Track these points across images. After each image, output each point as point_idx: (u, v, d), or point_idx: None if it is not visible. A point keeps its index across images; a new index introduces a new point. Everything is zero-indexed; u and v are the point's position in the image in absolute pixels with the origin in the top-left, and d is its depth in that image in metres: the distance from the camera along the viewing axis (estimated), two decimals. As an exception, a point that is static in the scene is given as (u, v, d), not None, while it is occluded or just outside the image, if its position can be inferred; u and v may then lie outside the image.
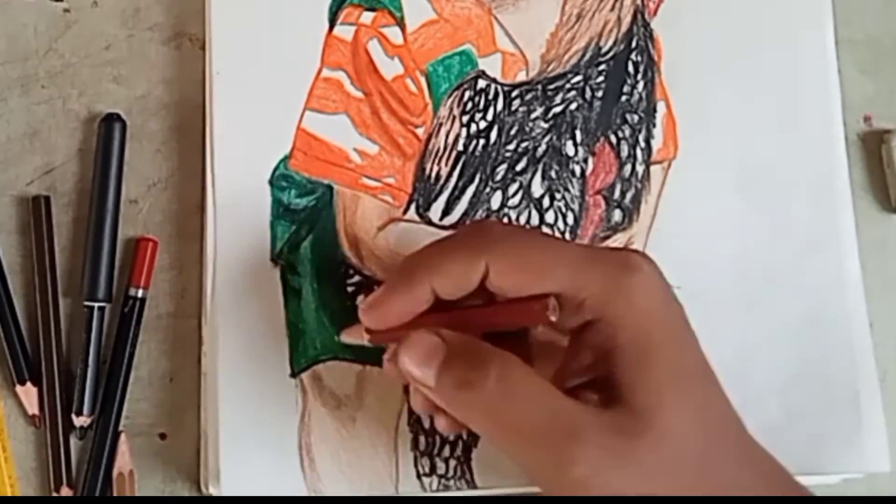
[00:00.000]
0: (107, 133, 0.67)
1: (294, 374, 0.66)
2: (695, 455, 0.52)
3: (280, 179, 0.67)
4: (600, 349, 0.54)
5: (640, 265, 0.54)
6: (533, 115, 0.69)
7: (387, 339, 0.58)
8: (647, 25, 0.70)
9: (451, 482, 0.66)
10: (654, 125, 0.70)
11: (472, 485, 0.66)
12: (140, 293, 0.67)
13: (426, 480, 0.66)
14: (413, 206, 0.68)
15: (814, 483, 0.65)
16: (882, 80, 0.74)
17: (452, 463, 0.66)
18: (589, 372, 0.54)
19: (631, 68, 0.70)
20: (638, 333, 0.53)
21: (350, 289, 0.67)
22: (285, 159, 0.67)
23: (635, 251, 0.56)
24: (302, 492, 0.65)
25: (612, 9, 0.70)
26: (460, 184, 0.68)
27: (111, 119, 0.67)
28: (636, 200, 0.69)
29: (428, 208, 0.68)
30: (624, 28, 0.70)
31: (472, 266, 0.54)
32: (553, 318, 0.53)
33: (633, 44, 0.70)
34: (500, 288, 0.54)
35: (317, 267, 0.66)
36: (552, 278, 0.53)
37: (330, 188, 0.67)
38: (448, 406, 0.55)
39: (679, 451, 0.52)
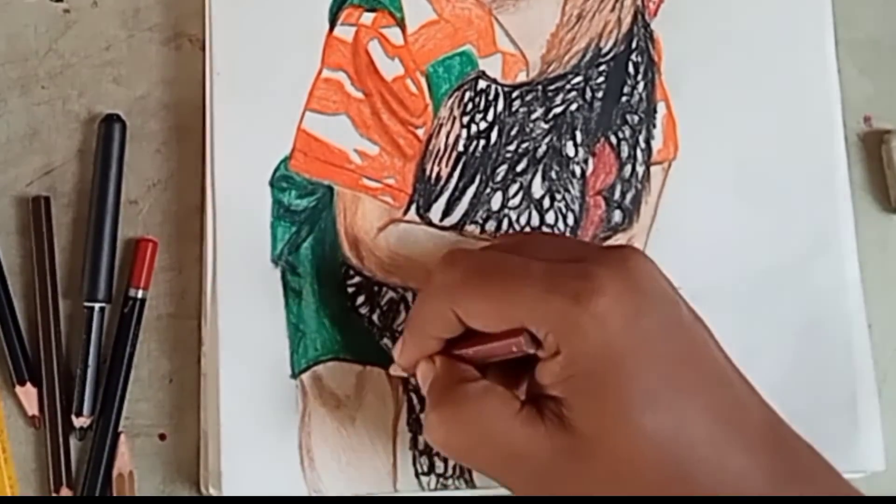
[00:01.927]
0: (107, 134, 0.67)
1: (294, 375, 0.66)
2: (652, 473, 0.53)
3: (280, 180, 0.67)
4: (559, 375, 0.55)
5: (603, 287, 0.54)
6: (533, 116, 0.69)
7: None
8: (647, 26, 0.70)
9: (450, 481, 0.66)
10: (655, 126, 0.70)
11: (470, 484, 0.66)
12: (140, 294, 0.67)
13: (424, 479, 0.66)
14: (413, 207, 0.68)
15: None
16: (882, 80, 0.74)
17: (451, 462, 0.66)
18: (552, 388, 0.55)
19: (631, 69, 0.70)
20: (592, 365, 0.54)
21: (350, 290, 0.67)
22: (285, 160, 0.67)
23: (617, 253, 0.57)
24: (302, 491, 0.65)
25: (613, 9, 0.70)
26: (461, 184, 0.68)
27: (111, 119, 0.67)
28: (636, 201, 0.69)
29: (428, 209, 0.68)
30: (624, 29, 0.70)
31: (444, 319, 0.58)
32: (530, 351, 0.55)
33: (634, 44, 0.70)
34: (475, 327, 0.57)
35: (317, 268, 0.67)
36: (514, 318, 0.55)
37: (330, 189, 0.67)
38: (432, 419, 0.58)
39: (627, 475, 0.53)
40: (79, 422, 0.66)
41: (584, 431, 0.54)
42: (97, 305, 0.66)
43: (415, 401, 0.66)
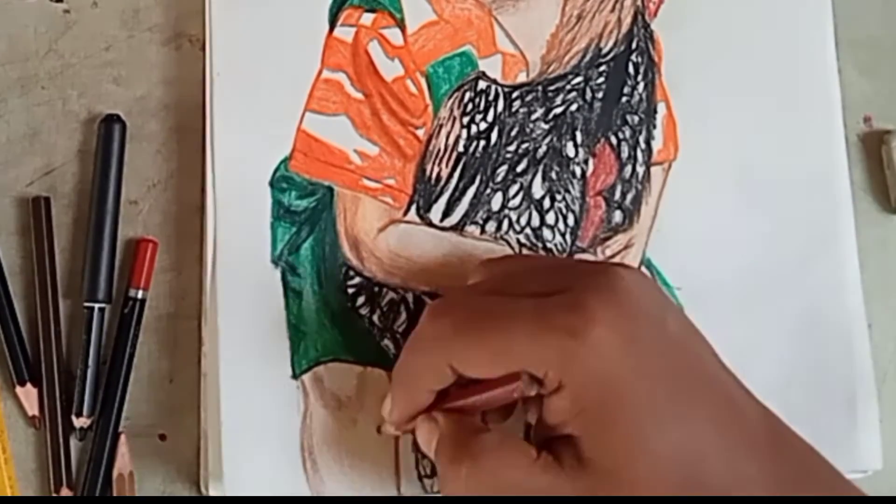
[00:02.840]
0: (107, 134, 0.67)
1: (295, 376, 0.66)
2: (672, 492, 0.53)
3: (280, 181, 0.67)
4: (569, 412, 0.55)
5: (596, 317, 0.54)
6: (533, 117, 0.69)
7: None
8: (647, 26, 0.70)
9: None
10: (655, 126, 0.70)
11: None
12: (140, 294, 0.67)
13: (427, 482, 0.66)
14: (413, 208, 0.68)
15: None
16: (882, 80, 0.74)
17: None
18: (564, 427, 0.55)
19: (631, 69, 0.70)
20: (598, 396, 0.54)
21: (350, 290, 0.67)
22: (285, 161, 0.67)
23: (603, 276, 0.56)
24: (304, 493, 0.65)
25: (613, 10, 0.70)
26: (461, 185, 0.68)
27: (111, 120, 0.67)
28: (637, 201, 0.69)
29: (428, 209, 0.68)
30: (624, 29, 0.70)
31: (438, 372, 0.57)
32: (531, 393, 0.55)
33: (634, 45, 0.70)
34: (472, 375, 0.57)
35: (317, 268, 0.67)
36: (511, 361, 0.55)
37: (330, 189, 0.67)
38: (449, 474, 0.58)
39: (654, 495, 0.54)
40: (79, 422, 0.66)
41: (602, 465, 0.54)
42: (97, 306, 0.66)
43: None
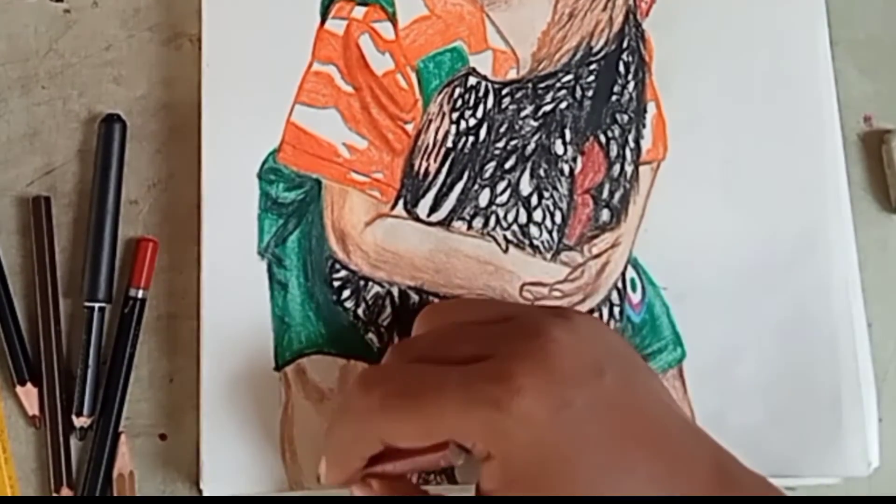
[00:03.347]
0: (107, 133, 0.68)
1: (278, 367, 0.66)
2: None
3: (268, 173, 0.67)
4: (499, 481, 0.54)
5: (522, 387, 0.53)
6: (523, 114, 0.69)
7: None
8: (638, 26, 0.70)
9: (431, 476, 0.65)
10: (644, 125, 0.69)
11: (452, 480, 0.65)
12: (140, 294, 0.67)
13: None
14: (401, 202, 0.68)
15: (815, 483, 0.66)
16: (882, 80, 0.73)
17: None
18: (497, 493, 0.54)
19: (622, 68, 0.70)
20: (527, 467, 0.53)
21: (336, 283, 0.67)
22: (274, 153, 0.67)
23: (534, 339, 0.55)
24: (283, 484, 0.64)
25: (604, 8, 0.70)
26: (448, 180, 0.68)
27: (111, 119, 0.68)
28: (624, 200, 0.68)
29: (416, 204, 0.68)
30: (615, 28, 0.70)
31: (367, 442, 0.57)
32: (458, 462, 0.55)
33: (625, 44, 0.70)
34: (401, 446, 0.56)
35: (303, 261, 0.67)
36: (439, 434, 0.55)
37: (318, 182, 0.67)
38: None
39: None
40: (79, 422, 0.66)
41: None
42: (97, 305, 0.67)
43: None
